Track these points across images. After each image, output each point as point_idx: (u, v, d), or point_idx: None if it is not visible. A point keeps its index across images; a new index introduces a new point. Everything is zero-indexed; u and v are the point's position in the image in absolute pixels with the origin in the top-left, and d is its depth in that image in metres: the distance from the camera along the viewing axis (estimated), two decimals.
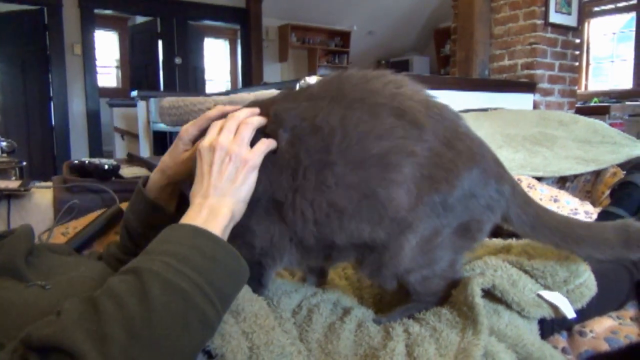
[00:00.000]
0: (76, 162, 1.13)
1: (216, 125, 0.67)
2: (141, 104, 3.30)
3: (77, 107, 4.97)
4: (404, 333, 0.69)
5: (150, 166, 1.16)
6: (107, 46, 5.86)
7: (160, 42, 5.35)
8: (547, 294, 0.73)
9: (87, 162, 1.10)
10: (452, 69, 4.11)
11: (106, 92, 5.37)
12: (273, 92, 2.13)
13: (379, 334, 0.69)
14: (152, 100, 3.06)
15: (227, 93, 2.74)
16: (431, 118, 0.66)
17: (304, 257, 0.72)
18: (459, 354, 0.63)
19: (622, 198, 1.25)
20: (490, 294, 0.73)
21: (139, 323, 0.47)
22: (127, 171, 1.14)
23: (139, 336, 0.46)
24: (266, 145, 0.66)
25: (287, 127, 0.68)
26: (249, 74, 5.98)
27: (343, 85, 0.69)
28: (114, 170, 1.08)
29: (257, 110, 0.70)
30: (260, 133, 0.68)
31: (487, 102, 2.56)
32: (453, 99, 2.40)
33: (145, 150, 3.26)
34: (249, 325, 0.62)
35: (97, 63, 5.10)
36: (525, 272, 0.77)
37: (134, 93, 3.33)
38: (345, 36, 6.96)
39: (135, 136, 3.49)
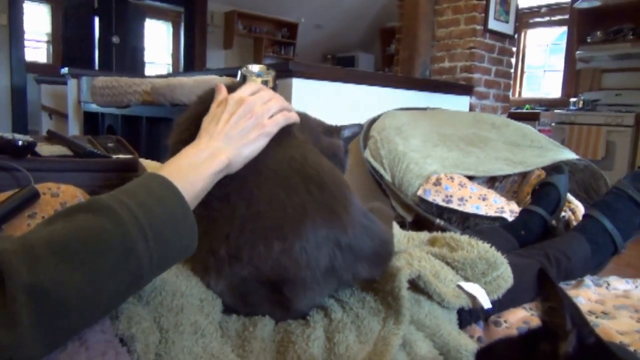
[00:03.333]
0: None
1: (251, 87, 0.72)
2: (72, 82, 3.11)
3: (0, 81, 4.62)
4: (325, 319, 0.69)
5: (72, 145, 1.09)
6: (37, 19, 5.48)
7: (96, 19, 5.07)
8: (466, 285, 0.76)
9: None
10: (395, 68, 4.18)
11: (34, 67, 5.02)
12: (214, 77, 2.07)
13: (298, 320, 0.69)
14: (84, 78, 2.88)
15: (166, 76, 2.63)
16: None
17: None
18: (378, 341, 0.64)
19: (541, 197, 1.32)
20: (413, 284, 0.75)
21: (58, 236, 0.46)
22: (45, 149, 1.05)
23: (57, 249, 0.45)
24: (285, 117, 0.71)
25: None
26: (192, 59, 5.80)
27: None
28: (29, 147, 1.00)
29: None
30: None
31: (426, 101, 2.62)
32: (395, 97, 2.43)
33: (74, 131, 3.07)
34: (154, 308, 0.59)
35: (26, 36, 4.76)
36: (447, 264, 0.80)
37: (65, 70, 3.13)
38: (292, 28, 6.91)
39: (64, 116, 3.29)
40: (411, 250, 0.83)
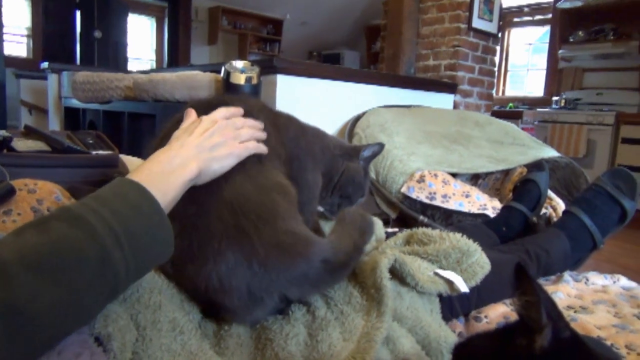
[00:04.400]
0: None
1: (225, 112, 0.73)
2: (52, 77, 3.05)
3: None
4: (307, 315, 0.69)
5: (50, 140, 1.07)
6: (16, 12, 5.36)
7: (78, 13, 4.98)
8: (442, 272, 0.78)
9: None
10: (380, 65, 4.19)
11: (13, 62, 4.92)
12: (197, 73, 2.05)
13: (278, 317, 0.69)
14: (64, 73, 2.83)
15: (149, 72, 2.60)
16: None
17: None
18: (362, 338, 0.64)
19: (523, 194, 1.33)
20: (393, 274, 0.76)
21: (31, 251, 0.45)
22: (21, 144, 1.03)
23: (32, 264, 0.44)
24: (255, 146, 0.72)
25: None
26: (176, 55, 5.74)
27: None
28: (5, 142, 0.98)
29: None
30: None
31: (411, 99, 2.63)
32: (380, 94, 2.43)
33: (55, 126, 3.02)
34: (131, 305, 0.58)
35: (5, 30, 4.65)
36: (421, 258, 0.81)
37: (45, 65, 3.07)
38: (278, 24, 6.88)
39: (44, 111, 3.23)
40: (386, 250, 0.84)
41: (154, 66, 6.16)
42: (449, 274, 0.78)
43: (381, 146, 1.01)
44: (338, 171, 0.92)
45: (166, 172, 0.60)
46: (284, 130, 0.85)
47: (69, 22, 5.01)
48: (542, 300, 0.42)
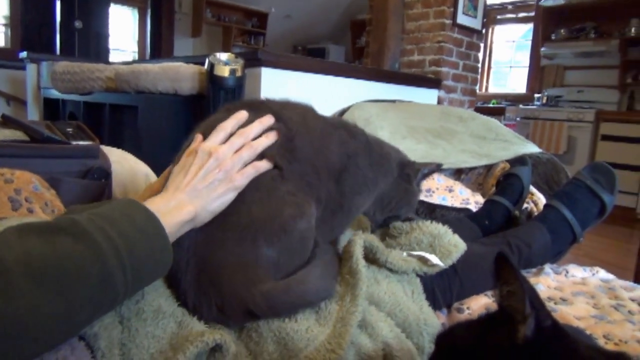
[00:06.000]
0: None
1: (223, 132, 0.69)
2: (31, 67, 2.98)
3: None
4: None
5: (28, 130, 1.04)
6: None
7: (58, 3, 4.88)
8: (414, 253, 0.79)
9: None
10: (365, 60, 4.20)
11: None
12: (180, 64, 2.02)
13: None
14: (43, 63, 2.77)
15: (131, 63, 2.55)
16: None
17: None
18: (337, 322, 0.64)
19: (506, 188, 1.35)
20: (369, 260, 0.77)
21: (37, 260, 0.45)
22: None
23: (34, 273, 0.44)
24: (256, 169, 0.67)
25: None
26: (159, 47, 5.66)
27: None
28: None
29: (270, 121, 0.71)
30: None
31: (395, 94, 2.64)
32: (364, 89, 2.44)
33: (34, 117, 2.95)
34: None
35: None
36: (394, 248, 0.83)
37: (23, 54, 3.00)
38: (262, 17, 6.83)
39: (22, 102, 3.16)
40: (355, 238, 0.84)
41: (137, 58, 6.07)
42: (421, 253, 0.79)
43: (438, 166, 0.95)
44: (397, 195, 0.87)
45: (162, 212, 0.58)
46: (334, 146, 0.77)
47: (49, 12, 4.89)
48: (526, 290, 0.43)
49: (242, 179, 0.66)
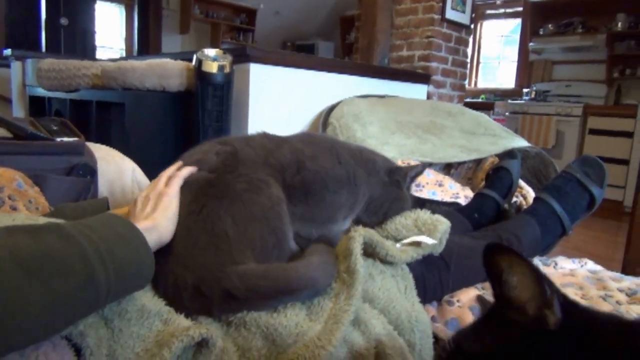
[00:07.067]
0: None
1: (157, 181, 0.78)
2: (16, 64, 2.93)
3: None
4: None
5: (12, 127, 1.02)
6: None
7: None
8: (405, 241, 0.80)
9: None
10: (354, 56, 4.19)
11: None
12: (168, 61, 2.00)
13: None
14: (28, 61, 2.72)
15: (118, 60, 2.52)
16: None
17: None
18: (329, 319, 0.63)
19: (495, 182, 1.35)
20: (364, 254, 0.77)
21: (25, 251, 0.47)
22: None
23: (22, 262, 0.46)
24: (180, 177, 0.76)
25: None
26: (146, 44, 5.61)
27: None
28: None
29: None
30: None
31: (385, 89, 2.63)
32: (354, 84, 2.42)
33: (19, 116, 2.91)
34: None
35: None
36: (387, 238, 0.83)
37: (7, 52, 2.95)
38: (251, 14, 6.78)
39: (7, 100, 3.11)
40: (354, 234, 0.85)
41: (124, 55, 6.01)
42: (412, 239, 0.80)
43: (423, 166, 0.99)
44: (388, 201, 0.90)
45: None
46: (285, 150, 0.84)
47: (34, 9, 4.82)
48: (540, 273, 0.40)
49: (171, 187, 0.73)
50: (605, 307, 0.82)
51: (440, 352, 0.47)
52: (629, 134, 4.09)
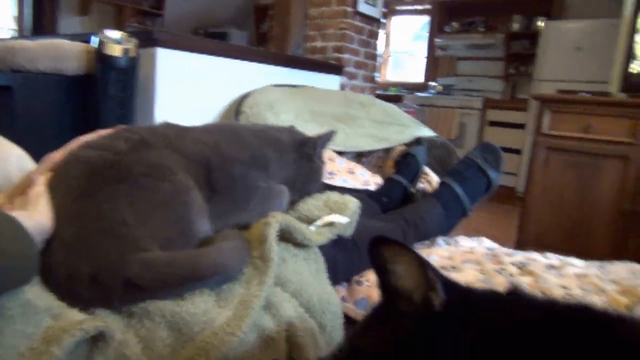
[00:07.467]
0: None
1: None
2: None
3: None
4: None
5: None
6: None
7: None
8: (319, 222, 0.80)
9: None
10: (269, 45, 4.15)
11: None
12: (64, 42, 1.85)
13: None
14: None
15: (8, 40, 2.28)
16: None
17: None
18: (239, 305, 0.62)
19: (402, 167, 1.41)
20: (282, 240, 0.76)
21: None
22: None
23: None
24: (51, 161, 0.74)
25: None
26: (41, 25, 5.15)
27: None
28: None
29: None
30: None
31: (299, 79, 2.63)
32: (267, 73, 2.39)
33: None
34: None
35: None
36: (300, 220, 0.84)
37: None
38: None
39: None
40: (270, 220, 0.84)
41: (16, 36, 5.47)
42: (324, 220, 0.81)
43: (332, 133, 0.98)
44: (302, 174, 0.90)
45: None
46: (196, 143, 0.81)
47: None
48: (423, 260, 0.42)
49: (33, 187, 0.68)
50: (500, 279, 0.89)
51: (337, 353, 0.45)
52: (522, 126, 4.47)
